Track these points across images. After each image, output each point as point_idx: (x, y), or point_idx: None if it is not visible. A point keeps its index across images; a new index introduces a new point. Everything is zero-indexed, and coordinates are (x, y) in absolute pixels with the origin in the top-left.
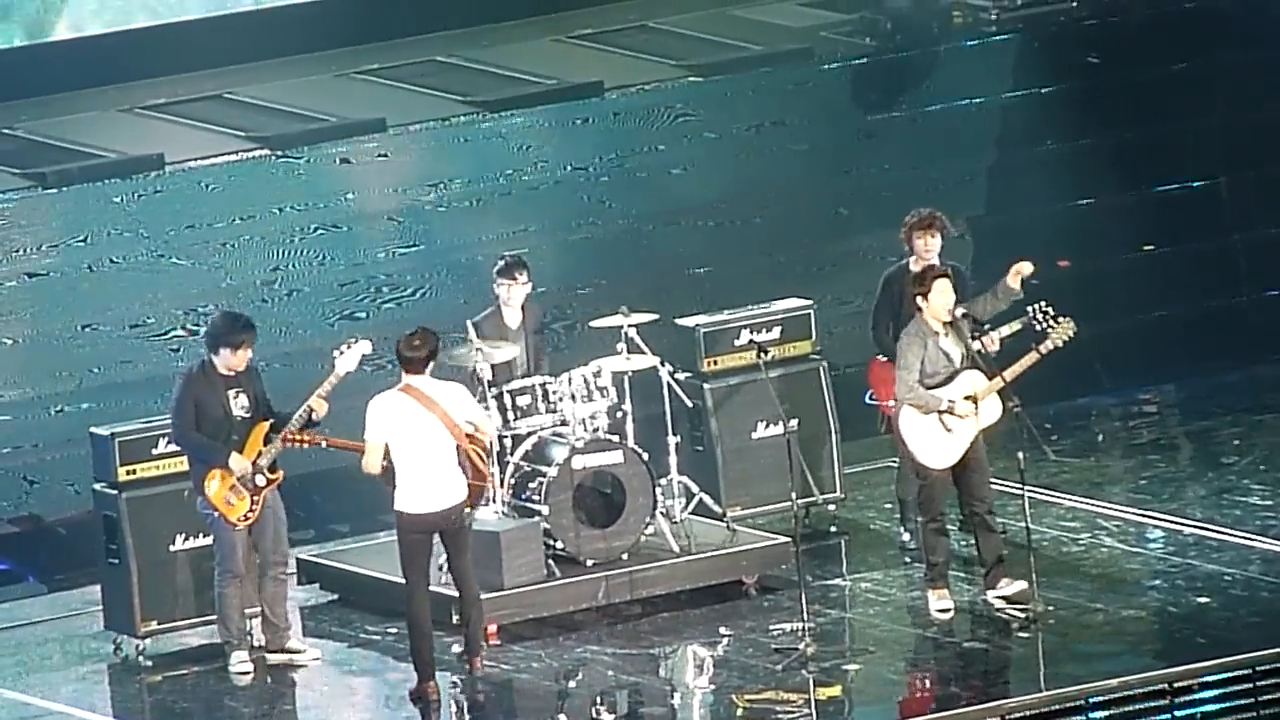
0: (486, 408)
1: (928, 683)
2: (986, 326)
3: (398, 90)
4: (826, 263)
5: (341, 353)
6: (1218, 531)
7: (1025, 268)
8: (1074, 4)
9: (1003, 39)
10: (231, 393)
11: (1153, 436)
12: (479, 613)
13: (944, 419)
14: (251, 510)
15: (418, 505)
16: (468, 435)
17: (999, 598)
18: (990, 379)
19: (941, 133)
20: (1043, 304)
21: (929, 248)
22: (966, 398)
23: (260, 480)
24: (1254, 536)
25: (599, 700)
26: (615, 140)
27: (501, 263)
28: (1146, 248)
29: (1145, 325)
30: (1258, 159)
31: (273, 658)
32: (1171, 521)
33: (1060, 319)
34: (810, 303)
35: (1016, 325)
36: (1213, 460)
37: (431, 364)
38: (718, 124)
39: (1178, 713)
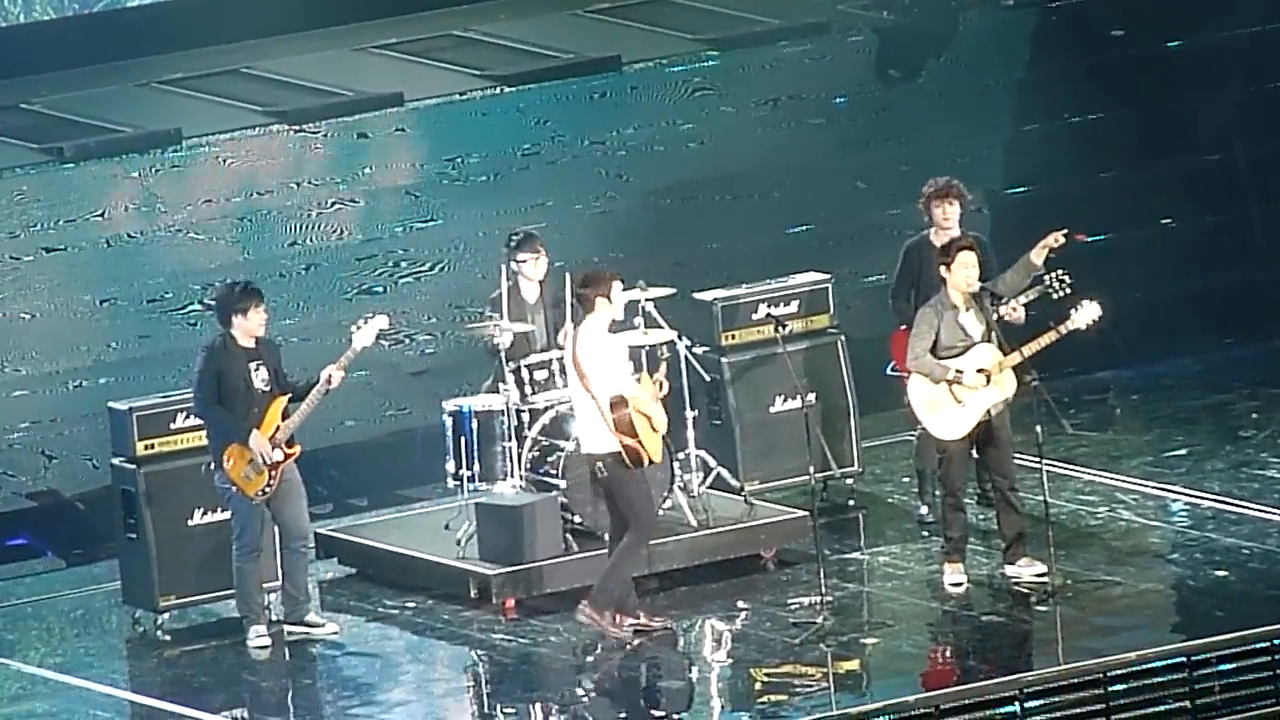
0: (503, 382)
1: (946, 656)
2: (1000, 302)
3: (415, 64)
4: (844, 237)
5: (359, 327)
6: (1236, 505)
7: (1059, 237)
8: None
9: (1021, 12)
10: (252, 365)
11: (1170, 410)
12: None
13: (954, 390)
14: (269, 485)
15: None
16: (616, 398)
17: (1016, 575)
18: (1006, 355)
19: (959, 106)
20: (1060, 271)
21: (948, 216)
22: (979, 371)
23: (278, 455)
24: (1272, 510)
25: (617, 674)
26: (633, 114)
27: (519, 236)
28: (1164, 221)
29: (1163, 299)
30: (1276, 132)
31: (291, 631)
32: (1190, 495)
33: (1086, 301)
34: (828, 277)
35: (1033, 293)
36: (1231, 434)
37: (602, 305)
38: (735, 98)
39: (1196, 686)
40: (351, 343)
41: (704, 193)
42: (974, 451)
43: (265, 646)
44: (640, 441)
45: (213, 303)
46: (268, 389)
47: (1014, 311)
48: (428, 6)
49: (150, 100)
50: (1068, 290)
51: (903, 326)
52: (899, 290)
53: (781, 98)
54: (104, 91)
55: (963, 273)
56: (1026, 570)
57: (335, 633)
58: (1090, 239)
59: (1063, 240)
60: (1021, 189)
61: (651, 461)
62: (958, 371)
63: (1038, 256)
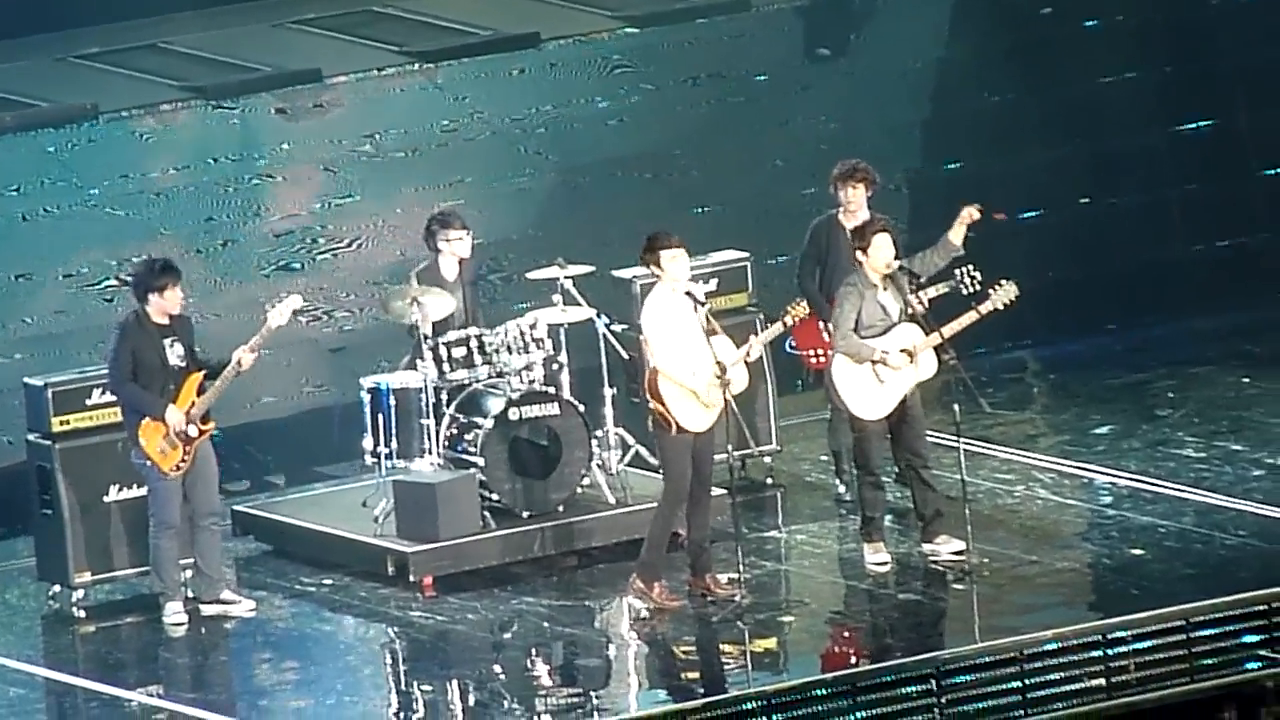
0: (421, 359)
1: (862, 634)
2: (917, 282)
3: (333, 40)
4: (763, 215)
5: (273, 306)
6: (1152, 484)
7: (973, 213)
8: None
9: None
10: (167, 341)
11: (1088, 389)
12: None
13: (877, 370)
14: (184, 460)
15: None
16: (653, 367)
17: (934, 553)
18: (927, 334)
19: (879, 85)
20: (970, 267)
21: (850, 199)
22: (902, 351)
23: (193, 431)
24: (1188, 489)
25: (534, 652)
26: (551, 92)
27: (444, 214)
28: (1082, 201)
29: (1080, 278)
30: (1193, 112)
31: (206, 609)
32: (1106, 474)
33: (1004, 281)
34: (747, 255)
35: (944, 288)
36: (1147, 413)
37: (657, 272)
38: (654, 76)
39: (1112, 664)
40: (266, 322)
41: (623, 170)
42: (889, 431)
43: (181, 624)
44: (667, 409)
45: (130, 278)
46: (183, 365)
47: (918, 305)
48: None
49: (67, 75)
50: (978, 286)
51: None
52: (805, 269)
53: (701, 75)
54: (20, 66)
55: (879, 254)
56: (944, 548)
57: (251, 610)
58: (1008, 218)
59: (978, 215)
60: (941, 168)
61: (680, 429)
62: (884, 352)
63: (956, 235)
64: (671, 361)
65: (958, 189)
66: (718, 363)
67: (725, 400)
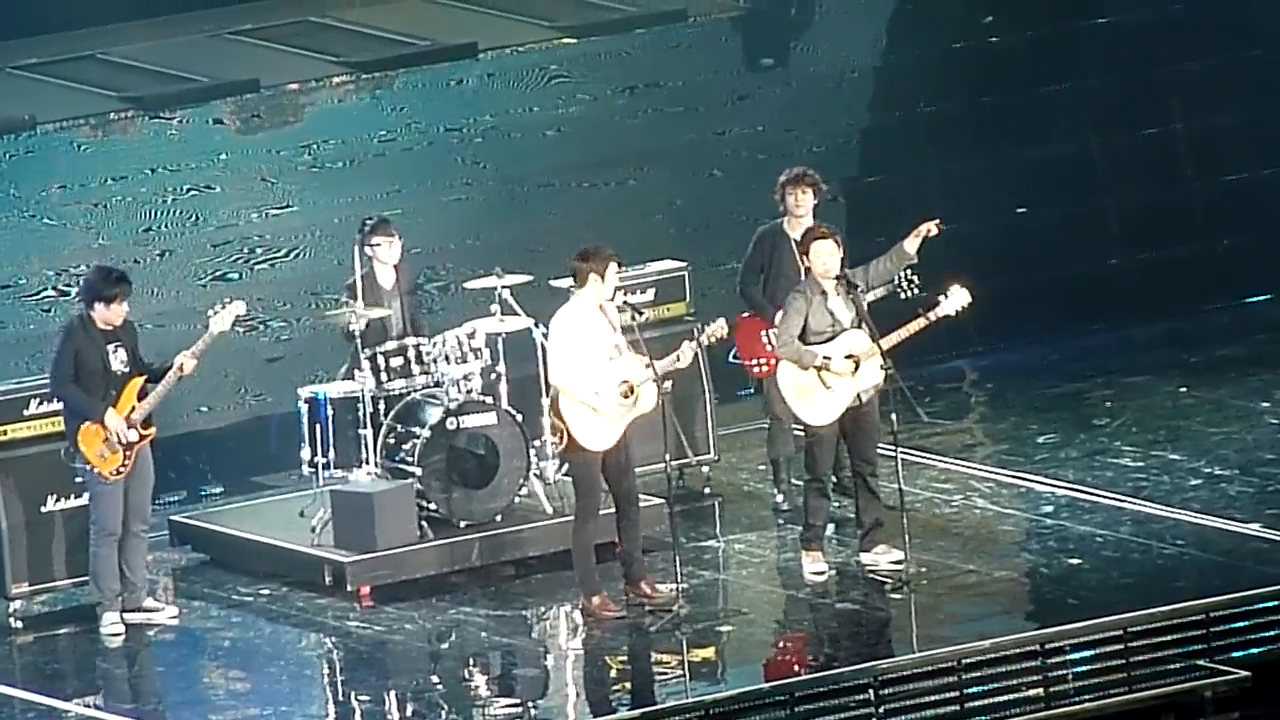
0: (359, 368)
1: (800, 644)
2: (860, 289)
3: (271, 51)
4: (700, 225)
5: (215, 313)
6: (1089, 493)
7: (931, 228)
8: None
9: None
10: (111, 347)
11: (1025, 399)
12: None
13: (823, 376)
14: (124, 465)
15: None
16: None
17: (872, 563)
18: (874, 341)
19: (816, 95)
20: (908, 272)
21: (799, 204)
22: (847, 357)
23: (133, 435)
24: (1125, 498)
25: (472, 662)
26: (489, 102)
27: (372, 221)
28: (1019, 210)
29: (1018, 287)
30: (1130, 122)
31: (129, 616)
32: (1044, 483)
33: (955, 287)
34: (684, 264)
35: (882, 291)
36: (1084, 422)
37: (593, 283)
38: (592, 86)
39: (1050, 674)
40: (208, 328)
41: (560, 180)
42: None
43: (119, 634)
44: (566, 426)
45: (81, 283)
46: (126, 370)
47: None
48: None
49: (4, 85)
50: (916, 291)
51: (747, 313)
52: (748, 277)
53: (638, 85)
54: None
55: (819, 261)
56: (883, 558)
57: (174, 618)
58: (942, 226)
59: (936, 232)
60: (878, 177)
61: (578, 447)
62: (825, 358)
63: (911, 245)
64: (573, 378)
65: (895, 198)
66: (623, 382)
67: (663, 410)
